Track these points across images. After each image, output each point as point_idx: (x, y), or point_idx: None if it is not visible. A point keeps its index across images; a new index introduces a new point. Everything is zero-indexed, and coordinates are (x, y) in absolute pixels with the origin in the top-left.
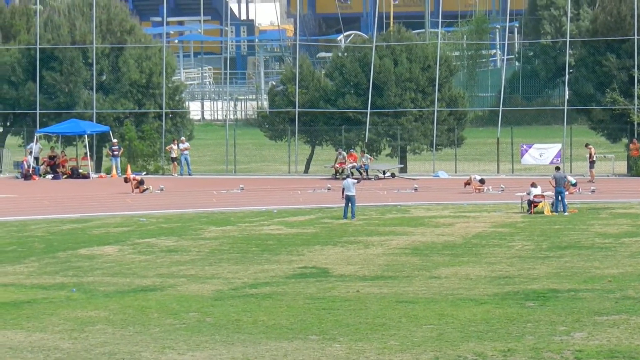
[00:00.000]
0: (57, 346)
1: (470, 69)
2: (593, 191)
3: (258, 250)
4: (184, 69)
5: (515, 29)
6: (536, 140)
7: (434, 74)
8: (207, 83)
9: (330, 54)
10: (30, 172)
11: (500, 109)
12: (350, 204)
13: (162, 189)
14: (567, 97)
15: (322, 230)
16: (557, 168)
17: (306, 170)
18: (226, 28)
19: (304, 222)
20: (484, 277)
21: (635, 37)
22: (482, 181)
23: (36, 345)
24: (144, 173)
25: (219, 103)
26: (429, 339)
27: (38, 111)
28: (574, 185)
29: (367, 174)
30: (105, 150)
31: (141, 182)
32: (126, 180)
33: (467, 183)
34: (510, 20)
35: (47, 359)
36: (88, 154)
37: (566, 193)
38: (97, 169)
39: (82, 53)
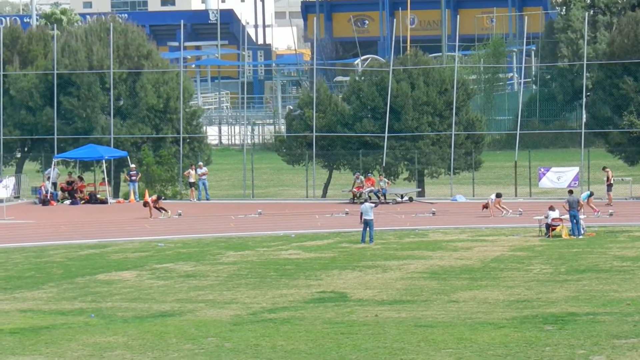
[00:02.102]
0: None
1: (487, 92)
2: (611, 214)
3: (276, 275)
4: (201, 93)
5: (532, 52)
6: (554, 164)
7: (451, 98)
8: (225, 107)
9: (347, 78)
10: (48, 197)
11: (518, 132)
12: (368, 228)
13: (180, 214)
14: (584, 120)
15: (340, 255)
16: (570, 192)
17: (324, 195)
18: (243, 52)
19: (322, 246)
20: (503, 300)
21: None
22: (498, 195)
23: None
24: (162, 198)
25: (237, 127)
26: None
27: (56, 136)
28: (590, 196)
29: (385, 198)
30: (123, 176)
31: (159, 198)
32: (145, 204)
33: (485, 206)
34: (527, 44)
35: None
36: (106, 179)
37: (582, 215)
38: (115, 194)
39: (99, 78)
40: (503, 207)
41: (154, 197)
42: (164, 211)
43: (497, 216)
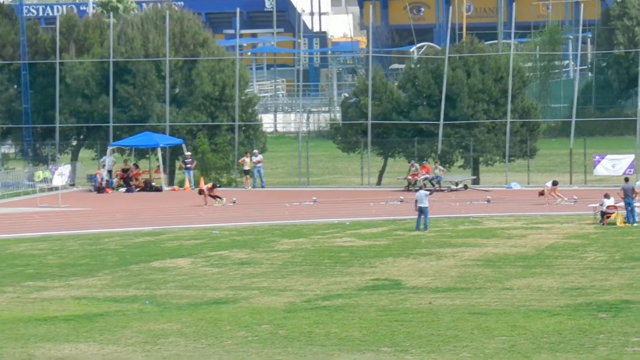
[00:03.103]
0: (130, 359)
1: (543, 79)
2: None
3: (330, 262)
4: (257, 81)
5: (588, 40)
6: (609, 151)
7: (507, 85)
8: (280, 95)
9: (403, 66)
10: (104, 185)
11: (573, 119)
12: (423, 216)
13: (234, 202)
14: None
15: (395, 242)
16: (626, 179)
17: (379, 182)
18: (299, 40)
19: (377, 234)
20: (557, 288)
21: None
22: (555, 183)
23: (109, 358)
24: (217, 186)
25: (292, 115)
26: (501, 350)
27: (111, 124)
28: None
29: (440, 186)
30: (178, 163)
31: (214, 186)
32: (200, 192)
33: (541, 194)
34: (583, 31)
35: None
36: (161, 166)
37: (637, 203)
38: (170, 182)
39: (155, 66)
40: (558, 195)
41: (209, 185)
42: (218, 199)
43: (552, 204)
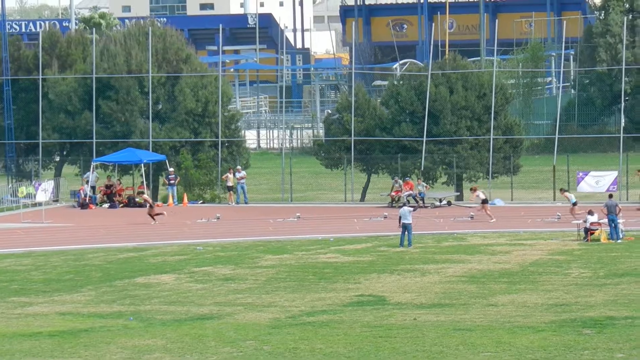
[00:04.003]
0: None
1: (526, 96)
2: None
3: (315, 278)
4: (239, 97)
5: (571, 57)
6: (592, 168)
7: (490, 102)
8: (263, 112)
9: (385, 82)
10: (87, 201)
11: (557, 136)
12: (406, 232)
13: (218, 218)
14: (622, 124)
15: (379, 258)
16: (610, 196)
17: (362, 199)
18: (282, 57)
19: (361, 250)
20: (541, 304)
21: None
22: (575, 204)
23: None
24: (200, 202)
25: (275, 131)
26: None
27: (94, 140)
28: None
29: (424, 202)
30: (161, 179)
31: (151, 206)
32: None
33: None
34: (566, 48)
35: None
36: (144, 182)
37: (620, 220)
38: (154, 198)
39: (138, 82)
40: (578, 214)
41: (148, 202)
42: (156, 216)
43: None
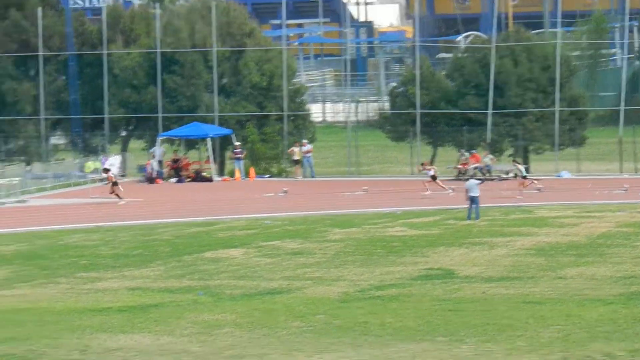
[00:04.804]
0: (185, 349)
1: (590, 68)
2: None
3: (383, 252)
4: (304, 71)
5: (635, 28)
6: None
7: (554, 74)
8: (328, 85)
9: (450, 55)
10: (154, 175)
11: (622, 108)
12: (474, 205)
13: (285, 192)
14: None
15: (447, 232)
16: None
17: None
18: (346, 30)
19: (428, 223)
20: (610, 277)
21: None
22: (525, 177)
23: (165, 349)
24: (267, 176)
25: (340, 105)
26: (556, 339)
27: (160, 115)
28: None
29: (490, 175)
30: (228, 154)
31: (115, 184)
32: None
33: None
34: (630, 19)
35: None
36: (211, 157)
37: None
38: (221, 172)
39: (202, 56)
40: None
41: (111, 180)
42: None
43: None
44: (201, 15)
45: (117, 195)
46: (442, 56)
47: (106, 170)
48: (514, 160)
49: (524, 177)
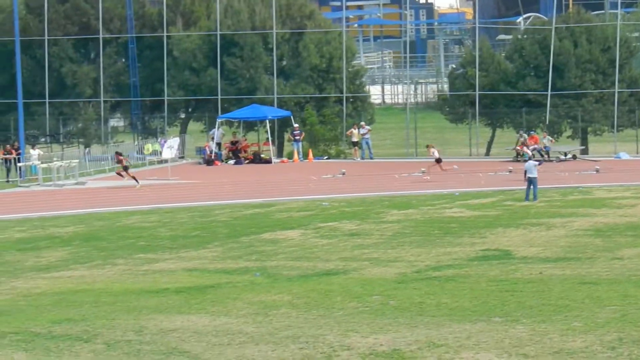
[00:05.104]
0: (241, 330)
1: None
2: None
3: (440, 233)
4: (363, 53)
5: None
6: None
7: (614, 56)
8: (387, 67)
9: (509, 37)
10: (213, 157)
11: None
12: (532, 186)
13: (344, 173)
14: None
15: (504, 213)
16: None
17: (487, 153)
18: (405, 12)
19: (486, 204)
20: None
21: None
22: (438, 160)
23: (221, 330)
24: (326, 157)
25: (399, 87)
26: (612, 320)
27: (219, 97)
28: None
29: (549, 156)
30: (287, 135)
31: (126, 168)
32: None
33: None
34: None
35: (231, 342)
36: (270, 138)
37: None
38: (279, 154)
39: (262, 38)
40: None
41: (122, 164)
42: (133, 179)
43: None
44: None
45: (133, 178)
46: (501, 38)
47: (119, 154)
48: (427, 145)
49: (438, 161)
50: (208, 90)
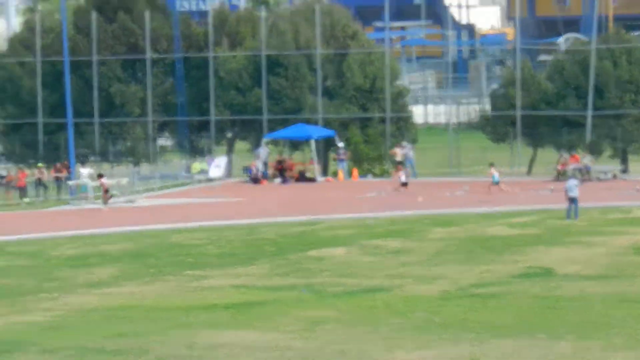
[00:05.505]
0: (289, 346)
1: None
2: None
3: (483, 250)
4: (406, 73)
5: None
6: None
7: None
8: (430, 87)
9: (550, 57)
10: (259, 176)
11: None
12: (573, 205)
13: (388, 192)
14: None
15: (546, 231)
16: None
17: (529, 172)
18: (447, 33)
19: (527, 222)
20: None
21: None
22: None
23: (269, 345)
24: (370, 176)
25: (442, 107)
26: None
27: (265, 117)
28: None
29: (589, 175)
30: (331, 155)
31: (106, 191)
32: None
33: None
34: None
35: (280, 358)
36: (315, 158)
37: None
38: (324, 173)
39: (306, 59)
40: None
41: (104, 187)
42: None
43: None
44: (305, 18)
45: (105, 201)
46: (542, 58)
47: (100, 176)
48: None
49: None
50: (254, 110)
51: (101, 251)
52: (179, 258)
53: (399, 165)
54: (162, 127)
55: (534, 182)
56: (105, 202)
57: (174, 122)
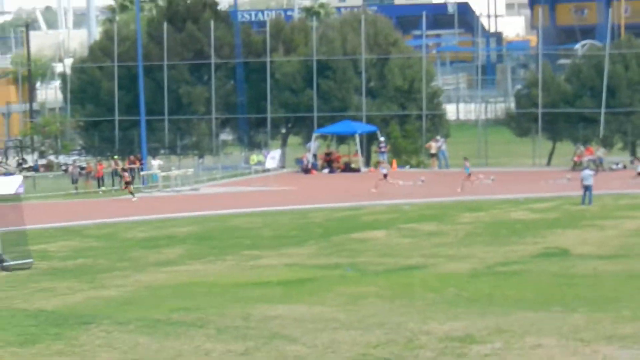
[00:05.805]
0: (334, 317)
1: None
2: None
3: (507, 233)
4: (441, 75)
5: None
6: None
7: None
8: (461, 88)
9: (569, 61)
10: (309, 167)
11: None
12: (587, 192)
13: (423, 181)
14: None
15: (563, 216)
16: None
17: (548, 163)
18: (477, 40)
19: (547, 208)
20: None
21: None
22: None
23: (316, 317)
24: (408, 167)
25: (472, 105)
26: None
27: (315, 114)
28: None
29: (602, 166)
30: (373, 148)
31: (127, 183)
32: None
33: None
34: None
35: (325, 328)
36: (359, 150)
37: None
38: (367, 164)
39: (352, 63)
40: None
41: (125, 178)
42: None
43: None
44: (352, 27)
45: (130, 192)
46: (562, 62)
47: (124, 170)
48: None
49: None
50: (305, 108)
51: (169, 234)
52: (238, 240)
53: (433, 157)
54: (224, 124)
55: (553, 172)
56: (131, 193)
57: (235, 119)
